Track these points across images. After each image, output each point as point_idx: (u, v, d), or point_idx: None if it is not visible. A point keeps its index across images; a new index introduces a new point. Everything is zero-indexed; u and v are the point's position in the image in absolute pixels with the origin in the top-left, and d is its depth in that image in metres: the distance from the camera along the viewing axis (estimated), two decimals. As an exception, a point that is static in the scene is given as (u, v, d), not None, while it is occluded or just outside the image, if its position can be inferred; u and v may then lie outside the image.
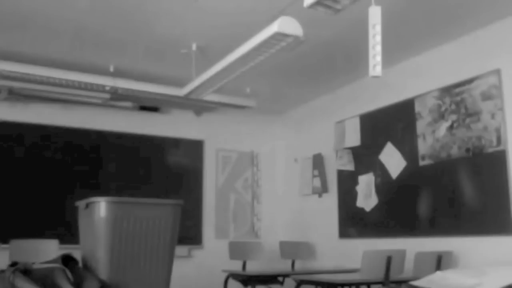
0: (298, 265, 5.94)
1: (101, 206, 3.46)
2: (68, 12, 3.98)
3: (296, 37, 3.47)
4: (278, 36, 3.46)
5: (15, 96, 5.28)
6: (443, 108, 4.55)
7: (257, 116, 6.86)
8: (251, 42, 3.69)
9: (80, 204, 3.79)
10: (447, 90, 4.53)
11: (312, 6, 2.92)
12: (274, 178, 6.91)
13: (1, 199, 5.21)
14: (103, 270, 3.38)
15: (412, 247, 4.20)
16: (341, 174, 5.78)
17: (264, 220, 6.75)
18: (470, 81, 4.32)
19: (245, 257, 5.56)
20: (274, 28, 3.39)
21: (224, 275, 5.19)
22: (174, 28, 4.26)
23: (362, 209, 5.39)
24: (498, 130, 4.05)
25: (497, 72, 4.10)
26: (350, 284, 3.95)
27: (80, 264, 3.68)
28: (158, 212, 3.61)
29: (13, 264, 3.30)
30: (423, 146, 4.70)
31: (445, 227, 4.40)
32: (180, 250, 6.01)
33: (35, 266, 3.23)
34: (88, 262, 3.63)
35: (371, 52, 3.02)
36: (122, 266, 3.43)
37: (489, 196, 4.06)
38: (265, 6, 3.78)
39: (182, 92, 4.89)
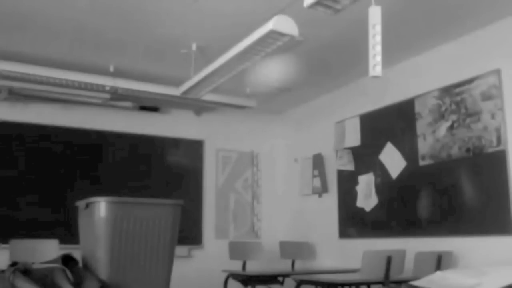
0: (298, 265, 5.94)
1: (101, 206, 3.46)
2: (68, 12, 3.98)
3: (291, 36, 3.47)
4: (274, 35, 3.45)
5: (15, 96, 5.28)
6: (443, 108, 4.55)
7: (257, 116, 6.85)
8: (246, 40, 3.69)
9: (80, 204, 3.79)
10: (447, 90, 4.53)
11: (312, 6, 2.92)
12: (274, 178, 6.91)
13: (1, 199, 5.22)
14: (103, 270, 3.38)
15: (412, 247, 4.20)
16: (341, 174, 5.78)
17: (264, 220, 6.75)
18: (470, 81, 4.32)
19: (245, 257, 5.56)
20: (269, 26, 3.38)
21: (224, 275, 5.19)
22: (174, 28, 4.26)
23: (362, 209, 5.39)
24: (498, 130, 4.05)
25: (497, 72, 4.10)
26: (350, 284, 3.95)
27: (80, 264, 3.68)
28: (158, 212, 3.60)
29: (13, 264, 3.29)
30: (423, 146, 4.70)
31: (445, 227, 4.40)
32: (180, 250, 6.01)
33: (35, 266, 3.22)
34: (88, 262, 3.63)
35: (371, 52, 3.02)
36: (122, 266, 3.43)
37: (489, 196, 4.06)
38: (265, 6, 3.78)
39: (178, 91, 4.88)
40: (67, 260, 3.52)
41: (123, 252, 3.45)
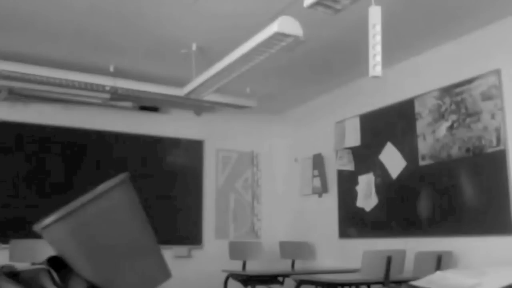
0: (298, 265, 5.94)
1: (53, 228, 3.06)
2: (68, 15, 3.98)
3: (296, 37, 3.47)
4: (278, 36, 3.46)
5: (15, 96, 5.28)
6: (443, 108, 4.55)
7: (257, 116, 6.85)
8: (251, 42, 3.69)
9: (36, 227, 3.38)
10: (447, 90, 4.53)
11: (312, 6, 2.92)
12: (274, 178, 6.91)
13: (1, 199, 5.22)
14: (93, 279, 3.15)
15: (412, 247, 4.20)
16: (341, 174, 5.78)
17: (264, 220, 6.75)
18: (470, 81, 4.32)
19: (245, 257, 5.56)
20: (274, 28, 3.39)
21: (224, 275, 5.19)
22: (174, 28, 4.26)
23: (362, 209, 5.39)
24: (498, 130, 4.05)
25: (497, 72, 4.10)
26: (350, 284, 3.95)
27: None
28: (110, 199, 3.14)
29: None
30: (423, 146, 4.70)
31: (445, 227, 4.40)
32: (180, 250, 6.02)
33: (22, 268, 3.14)
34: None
35: (371, 52, 3.02)
36: (109, 269, 3.21)
37: (489, 196, 4.06)
38: (265, 6, 3.78)
39: (182, 92, 4.89)
40: (58, 261, 3.42)
41: (103, 255, 3.14)
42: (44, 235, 3.03)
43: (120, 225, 3.01)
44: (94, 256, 3.00)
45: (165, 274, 3.13)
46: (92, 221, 2.91)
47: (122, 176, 3.04)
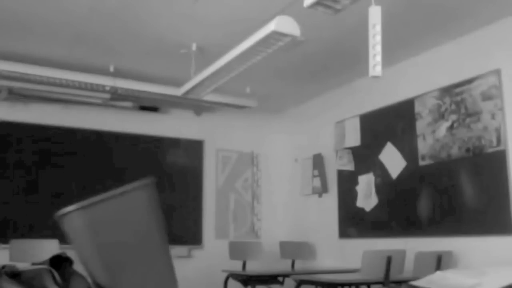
0: (298, 265, 5.94)
1: (71, 216, 3.03)
2: (67, 17, 4.00)
3: (293, 37, 3.47)
4: (275, 35, 3.46)
5: (15, 96, 5.28)
6: (443, 108, 4.55)
7: (257, 116, 6.85)
8: (248, 41, 3.68)
9: (55, 216, 3.45)
10: (447, 90, 4.53)
11: (312, 6, 2.92)
12: (274, 178, 6.91)
13: (1, 199, 5.22)
14: (100, 278, 3.17)
15: (412, 247, 4.20)
16: (341, 174, 5.78)
17: (264, 220, 6.75)
18: (470, 81, 4.32)
19: (245, 257, 5.56)
20: (271, 27, 3.38)
21: (224, 275, 5.19)
22: (174, 28, 4.26)
23: (362, 209, 5.39)
24: (498, 130, 4.05)
25: (497, 72, 4.10)
26: (350, 284, 3.95)
27: (75, 264, 3.61)
28: (132, 199, 3.13)
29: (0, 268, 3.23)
30: (423, 146, 4.70)
31: (445, 227, 4.40)
32: (180, 250, 6.01)
33: (23, 269, 3.14)
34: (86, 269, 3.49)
35: (371, 52, 3.02)
36: (118, 268, 3.23)
37: (489, 196, 4.06)
38: (266, 6, 3.78)
39: (179, 91, 4.88)
40: (60, 260, 3.42)
41: (114, 253, 3.17)
42: (63, 222, 3.06)
43: (136, 227, 3.06)
44: (104, 251, 3.01)
45: (172, 283, 3.12)
46: (110, 217, 2.99)
47: (147, 180, 3.13)
